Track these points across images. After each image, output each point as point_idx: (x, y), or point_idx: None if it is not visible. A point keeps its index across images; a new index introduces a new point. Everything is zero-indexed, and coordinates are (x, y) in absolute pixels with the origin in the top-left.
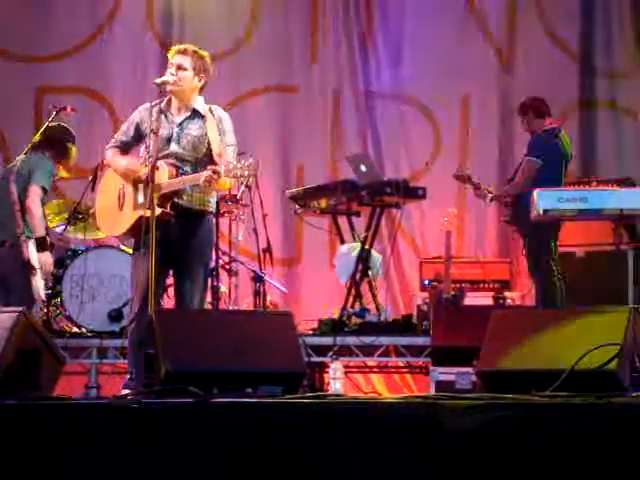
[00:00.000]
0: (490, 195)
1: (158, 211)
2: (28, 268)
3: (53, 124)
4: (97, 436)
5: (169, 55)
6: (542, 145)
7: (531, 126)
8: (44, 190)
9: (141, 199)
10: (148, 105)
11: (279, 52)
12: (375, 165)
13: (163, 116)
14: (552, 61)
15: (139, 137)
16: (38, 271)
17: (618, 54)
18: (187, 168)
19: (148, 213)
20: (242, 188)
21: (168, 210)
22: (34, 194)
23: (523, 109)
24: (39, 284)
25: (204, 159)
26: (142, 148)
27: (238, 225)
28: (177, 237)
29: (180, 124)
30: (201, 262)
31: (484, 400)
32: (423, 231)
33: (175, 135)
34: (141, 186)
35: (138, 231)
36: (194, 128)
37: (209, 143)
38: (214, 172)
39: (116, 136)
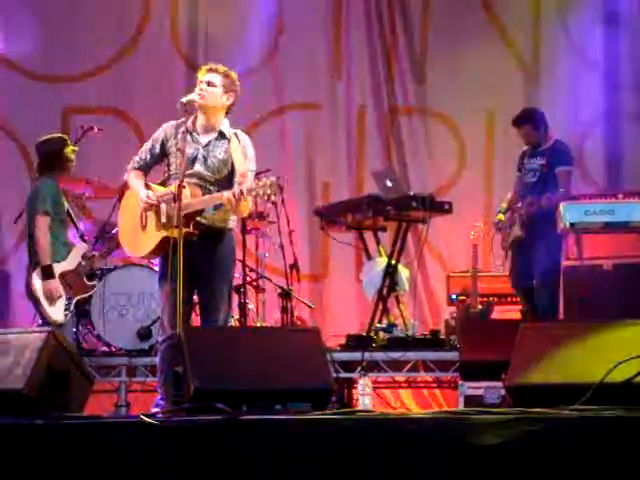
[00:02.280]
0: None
1: (182, 232)
2: (33, 298)
3: (41, 139)
4: (127, 454)
5: (199, 74)
6: (570, 153)
7: (538, 138)
8: (47, 214)
9: (164, 219)
10: (173, 123)
11: (303, 69)
12: (400, 180)
13: (189, 135)
14: (577, 74)
15: (163, 155)
16: (41, 299)
17: None
18: (209, 188)
19: (172, 233)
20: (269, 205)
21: (191, 230)
22: (38, 222)
23: (536, 122)
24: (48, 311)
25: (225, 182)
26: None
27: (265, 242)
28: (199, 255)
29: (206, 145)
30: (224, 279)
31: (513, 415)
32: (450, 245)
33: (200, 156)
34: (163, 206)
35: (162, 251)
36: (219, 151)
37: (232, 166)
38: (239, 192)
39: (139, 155)
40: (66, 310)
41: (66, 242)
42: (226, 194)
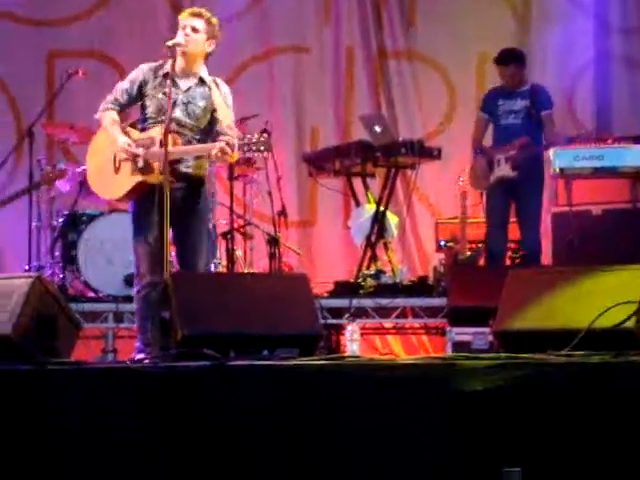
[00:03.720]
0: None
1: (159, 178)
2: None
3: None
4: (114, 400)
5: (181, 17)
6: (551, 96)
7: (523, 78)
8: None
9: (141, 164)
10: (151, 65)
11: (291, 13)
12: (389, 125)
13: (170, 80)
14: (567, 18)
15: (139, 98)
16: None
17: (633, 9)
18: (186, 134)
19: (149, 179)
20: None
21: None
22: None
23: (521, 59)
24: None
25: (203, 129)
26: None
27: (252, 188)
28: (178, 203)
29: (186, 91)
30: (204, 225)
31: (501, 360)
32: (438, 191)
33: (180, 102)
34: (140, 150)
35: (135, 195)
36: (200, 97)
37: (212, 114)
38: (229, 145)
39: (114, 94)
40: None
41: None
42: (218, 146)
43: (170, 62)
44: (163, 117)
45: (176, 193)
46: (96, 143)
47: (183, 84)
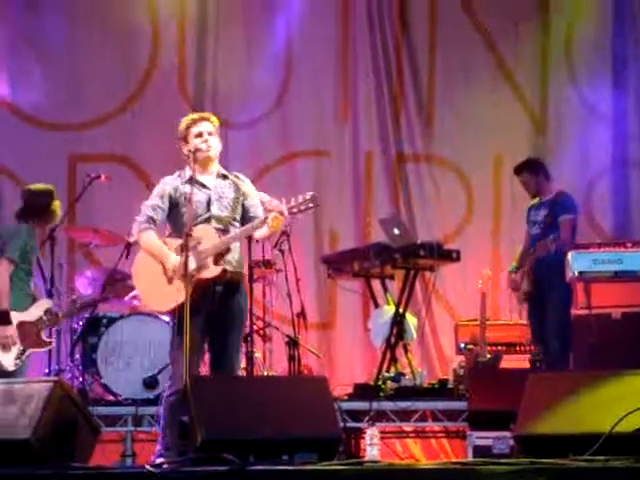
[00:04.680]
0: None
1: (218, 270)
2: None
3: (31, 188)
4: None
5: (192, 123)
6: (574, 203)
7: (539, 187)
8: (12, 262)
9: (192, 265)
10: (172, 177)
11: (311, 117)
12: (408, 228)
13: (195, 184)
14: (584, 123)
15: (171, 208)
16: None
17: None
18: (224, 228)
19: (205, 274)
20: (276, 252)
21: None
22: (2, 267)
23: (534, 169)
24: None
25: (238, 218)
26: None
27: (272, 290)
28: (219, 305)
29: (214, 187)
30: (240, 331)
31: (522, 465)
32: (458, 293)
33: (214, 198)
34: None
35: (196, 296)
36: (228, 190)
37: (243, 203)
38: (280, 213)
39: (146, 213)
40: (17, 359)
41: (31, 294)
42: (270, 215)
43: (188, 168)
44: (200, 217)
45: (217, 294)
46: (141, 264)
47: (209, 182)
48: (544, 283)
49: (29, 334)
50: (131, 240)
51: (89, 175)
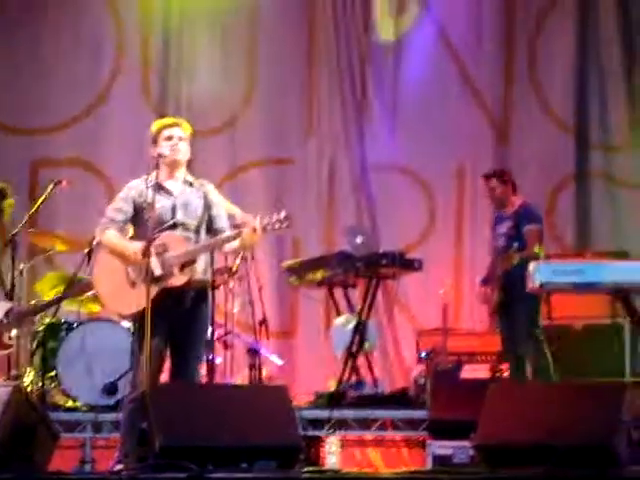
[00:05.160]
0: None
1: (184, 279)
2: None
3: None
4: None
5: (162, 127)
6: (539, 213)
7: (504, 197)
8: None
9: (158, 271)
10: (138, 181)
11: (274, 125)
12: (371, 237)
13: (160, 190)
14: (547, 132)
15: (135, 214)
16: None
17: (612, 127)
18: (191, 236)
19: (171, 282)
20: (238, 260)
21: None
22: None
23: (504, 178)
24: None
25: (203, 226)
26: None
27: (233, 297)
28: (188, 310)
29: (180, 194)
30: (203, 340)
31: (482, 475)
32: (419, 302)
33: (179, 206)
34: (153, 260)
35: (156, 304)
36: (194, 197)
37: (209, 213)
38: (253, 229)
39: (110, 216)
40: None
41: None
42: (244, 231)
43: (154, 173)
44: (168, 224)
45: (187, 301)
46: (103, 265)
47: (174, 189)
48: (512, 294)
49: None
50: (94, 242)
51: (51, 180)
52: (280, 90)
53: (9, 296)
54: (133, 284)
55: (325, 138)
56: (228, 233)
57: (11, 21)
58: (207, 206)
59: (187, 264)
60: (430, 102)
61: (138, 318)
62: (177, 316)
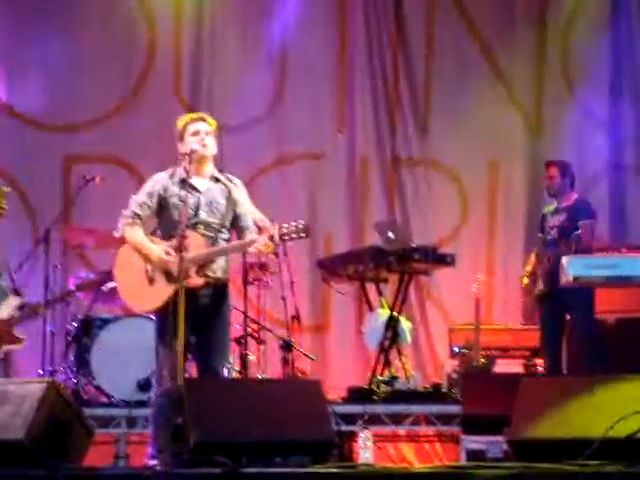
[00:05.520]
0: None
1: (200, 280)
2: None
3: None
4: None
5: (189, 122)
6: (594, 209)
7: (561, 188)
8: None
9: (175, 272)
10: (165, 175)
11: (307, 120)
12: (403, 232)
13: (185, 186)
14: (579, 127)
15: (160, 208)
16: None
17: None
18: (212, 235)
19: (191, 283)
20: (270, 256)
21: (202, 281)
22: None
23: (565, 170)
24: None
25: (227, 225)
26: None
27: (266, 293)
28: (206, 308)
29: (206, 192)
30: (227, 330)
31: (515, 470)
32: (452, 297)
33: (203, 203)
34: (173, 258)
35: (173, 304)
36: (220, 195)
37: (234, 210)
38: (270, 237)
39: (133, 209)
40: None
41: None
42: (260, 240)
43: (182, 167)
44: (190, 221)
45: (202, 299)
46: (123, 258)
47: (201, 185)
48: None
49: (2, 333)
50: (116, 235)
51: (84, 177)
52: (312, 86)
53: (17, 292)
54: (151, 281)
55: (357, 133)
56: (248, 238)
57: (44, 19)
58: (232, 204)
59: (204, 266)
60: (462, 97)
61: (157, 316)
62: (194, 316)
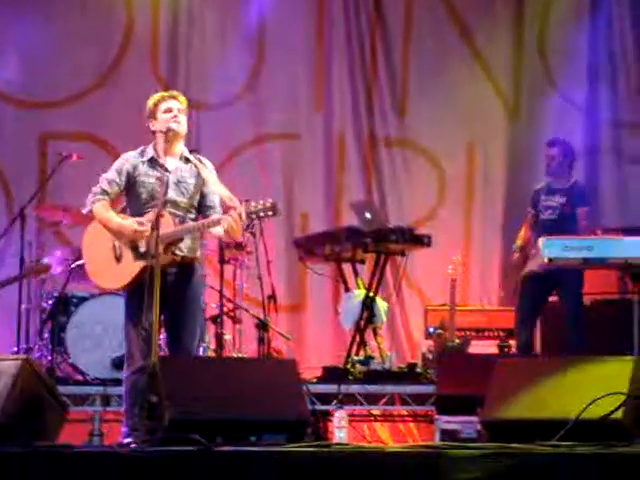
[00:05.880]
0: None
1: (167, 259)
2: None
3: None
4: None
5: (161, 100)
6: (589, 195)
7: (560, 169)
8: None
9: (143, 248)
10: (134, 153)
11: (283, 100)
12: (380, 212)
13: (155, 165)
14: (557, 110)
15: (129, 186)
16: None
17: (622, 104)
18: (180, 214)
19: (152, 262)
20: (247, 235)
21: (171, 257)
22: None
23: (567, 152)
24: None
25: (195, 205)
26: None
27: (243, 272)
28: (173, 286)
29: (174, 171)
30: (196, 309)
31: (489, 449)
32: (428, 278)
33: (171, 182)
34: (146, 228)
35: (140, 281)
36: (189, 175)
37: (201, 189)
38: (239, 215)
39: (102, 186)
40: None
41: None
42: (228, 218)
43: (152, 146)
44: (156, 200)
45: (169, 277)
46: (91, 235)
47: (170, 165)
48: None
49: None
50: (84, 211)
51: (60, 154)
52: (289, 65)
53: None
54: (119, 259)
55: (333, 113)
56: (213, 217)
57: None
58: (200, 183)
59: (172, 244)
60: (440, 79)
61: (126, 294)
62: (162, 294)
